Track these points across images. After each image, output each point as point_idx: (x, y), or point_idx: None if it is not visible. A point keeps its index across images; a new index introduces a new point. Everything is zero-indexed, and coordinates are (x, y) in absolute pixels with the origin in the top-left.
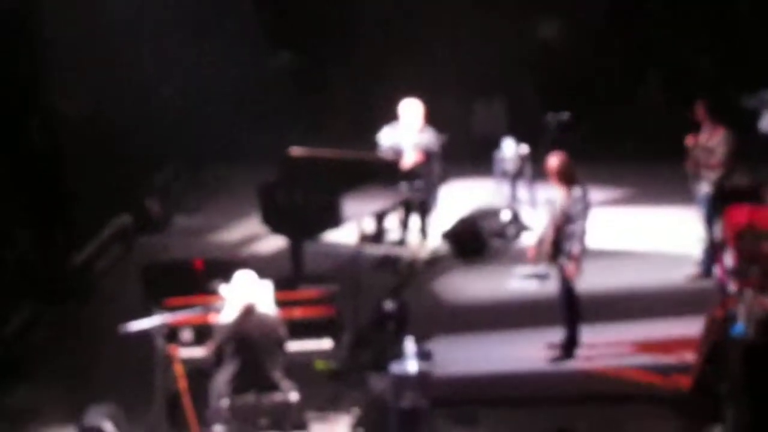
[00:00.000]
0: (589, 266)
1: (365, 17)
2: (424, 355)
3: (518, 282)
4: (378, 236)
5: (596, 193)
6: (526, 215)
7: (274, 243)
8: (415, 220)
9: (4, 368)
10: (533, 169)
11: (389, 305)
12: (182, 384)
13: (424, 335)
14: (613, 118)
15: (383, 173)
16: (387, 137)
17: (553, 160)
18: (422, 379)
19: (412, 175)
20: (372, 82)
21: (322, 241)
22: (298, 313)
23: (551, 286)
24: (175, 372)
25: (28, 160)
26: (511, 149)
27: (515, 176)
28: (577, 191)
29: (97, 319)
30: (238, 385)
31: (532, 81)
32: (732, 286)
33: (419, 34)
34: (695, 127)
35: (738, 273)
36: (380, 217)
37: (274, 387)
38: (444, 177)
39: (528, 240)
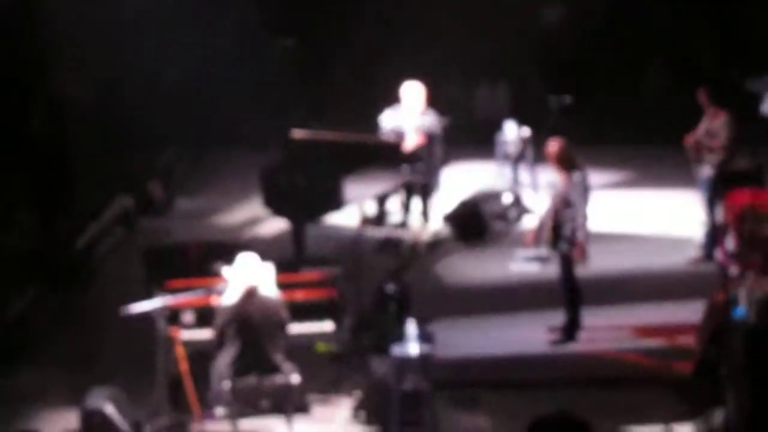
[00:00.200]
0: (591, 249)
1: (367, 1)
2: (425, 338)
3: (520, 265)
4: (380, 219)
5: (598, 177)
6: (528, 198)
7: (275, 225)
8: (416, 202)
9: (7, 351)
10: (535, 152)
11: (391, 288)
12: (184, 366)
13: (425, 318)
14: (615, 101)
15: (385, 156)
16: (389, 120)
17: (553, 146)
18: (424, 362)
19: (413, 157)
20: (374, 65)
21: (324, 224)
22: (299, 295)
23: (552, 269)
24: (177, 354)
25: (30, 145)
26: (513, 132)
27: (517, 159)
28: (577, 176)
29: (99, 302)
30: (240, 368)
31: (535, 65)
32: (733, 270)
33: (422, 17)
34: (698, 111)
35: (739, 256)
36: (382, 199)
37: (275, 369)
38: (446, 160)
39: (529, 223)
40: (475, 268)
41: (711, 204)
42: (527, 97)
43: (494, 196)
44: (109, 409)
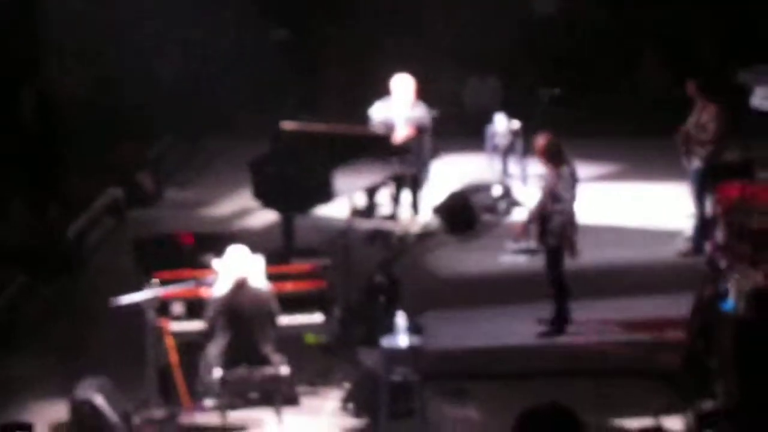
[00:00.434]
0: (580, 241)
1: None
2: (415, 329)
3: (509, 257)
4: (369, 210)
5: (588, 169)
6: (517, 190)
7: (265, 217)
8: (406, 194)
9: None
10: (524, 145)
11: (380, 279)
12: (173, 357)
13: (415, 309)
14: (605, 94)
15: (375, 148)
16: (379, 112)
17: (540, 140)
18: (413, 354)
19: (403, 149)
20: (365, 57)
21: (314, 216)
22: (289, 286)
23: (542, 261)
24: (167, 345)
25: (22, 134)
26: (502, 124)
27: (506, 151)
28: (565, 171)
29: (89, 292)
30: (230, 359)
31: (525, 57)
32: (722, 262)
33: (413, 9)
34: (689, 103)
35: (728, 248)
36: (371, 191)
37: (265, 360)
38: (435, 152)
39: (518, 215)
40: (464, 260)
41: (700, 196)
42: (517, 90)
43: (484, 188)
44: (99, 400)
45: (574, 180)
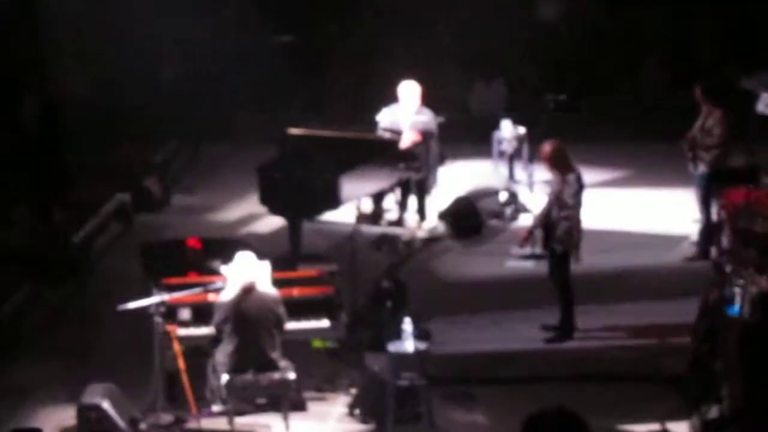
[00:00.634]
0: (585, 247)
1: None
2: (421, 335)
3: (515, 262)
4: (376, 216)
5: (593, 174)
6: (524, 196)
7: (272, 222)
8: (412, 200)
9: (4, 346)
10: (531, 150)
11: (387, 284)
12: (180, 362)
13: (421, 314)
14: (611, 99)
15: (381, 153)
16: (385, 117)
17: (546, 147)
18: (420, 358)
19: (410, 155)
20: (371, 62)
21: (321, 221)
22: (296, 292)
23: (547, 267)
24: (174, 350)
25: (28, 139)
26: (509, 130)
27: (513, 156)
28: (570, 177)
29: (96, 297)
30: (237, 364)
31: (531, 62)
32: (728, 267)
33: (419, 14)
34: (694, 109)
35: (734, 253)
36: (378, 197)
37: (272, 366)
38: (442, 157)
39: (524, 221)
40: (470, 265)
41: (706, 201)
42: (523, 95)
43: (490, 193)
44: (106, 405)
45: (580, 186)
